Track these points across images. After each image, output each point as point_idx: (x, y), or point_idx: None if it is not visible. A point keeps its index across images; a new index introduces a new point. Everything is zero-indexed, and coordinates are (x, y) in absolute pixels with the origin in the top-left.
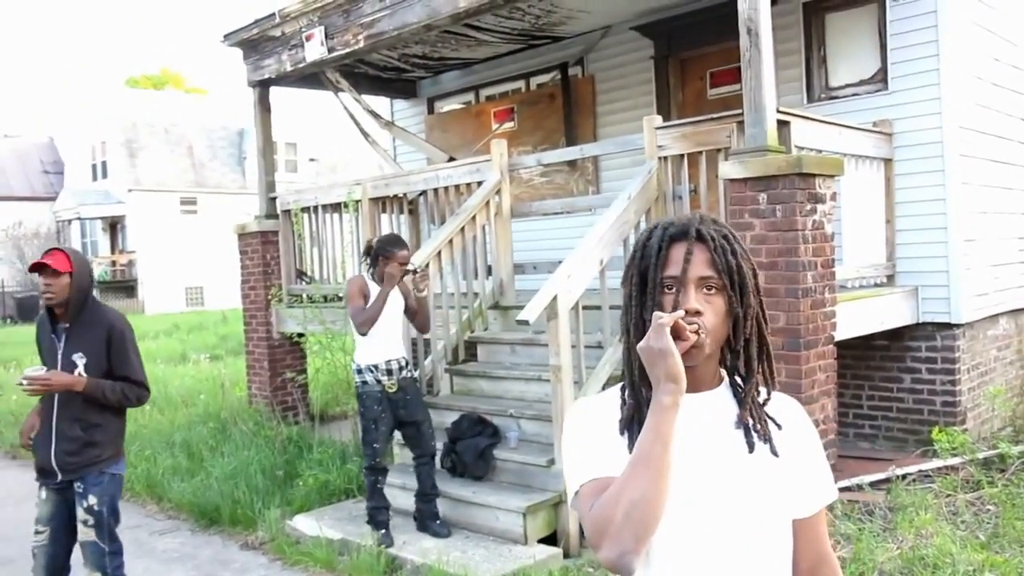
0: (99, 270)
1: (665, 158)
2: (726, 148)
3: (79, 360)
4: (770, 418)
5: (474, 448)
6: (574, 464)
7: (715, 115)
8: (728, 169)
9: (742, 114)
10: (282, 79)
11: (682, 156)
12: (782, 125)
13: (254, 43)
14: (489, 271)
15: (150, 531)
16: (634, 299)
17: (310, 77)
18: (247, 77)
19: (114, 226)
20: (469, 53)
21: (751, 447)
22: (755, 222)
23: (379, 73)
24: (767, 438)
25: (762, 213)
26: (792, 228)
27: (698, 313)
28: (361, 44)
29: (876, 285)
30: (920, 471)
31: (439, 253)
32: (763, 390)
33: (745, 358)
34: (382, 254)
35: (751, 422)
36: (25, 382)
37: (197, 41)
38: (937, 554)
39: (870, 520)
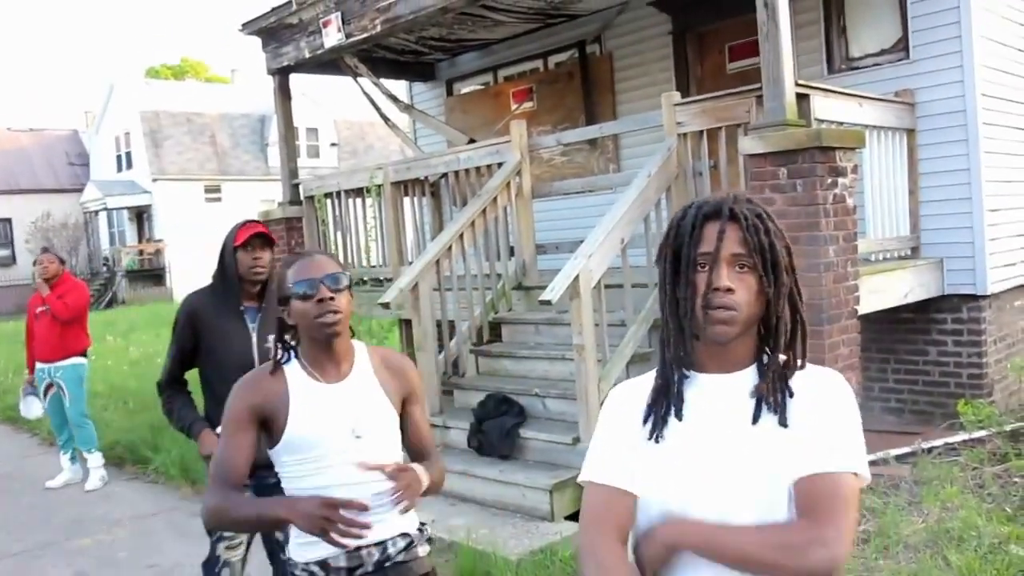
0: (127, 259)
1: (685, 135)
2: (745, 123)
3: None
4: (787, 387)
5: (500, 427)
6: (589, 453)
7: (734, 90)
8: (748, 144)
9: (761, 88)
10: (301, 66)
11: (701, 132)
12: (801, 98)
13: (272, 31)
14: (512, 252)
15: (185, 513)
16: (668, 277)
17: (329, 63)
18: (266, 65)
19: (140, 216)
20: (486, 34)
21: (755, 418)
22: (776, 197)
23: (397, 57)
24: (777, 408)
25: (783, 188)
26: (813, 202)
27: (730, 290)
28: (378, 29)
29: (900, 258)
30: (946, 444)
31: (461, 235)
32: (798, 363)
33: (775, 335)
34: (285, 295)
35: (764, 393)
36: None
37: (217, 29)
38: (963, 527)
39: (896, 494)
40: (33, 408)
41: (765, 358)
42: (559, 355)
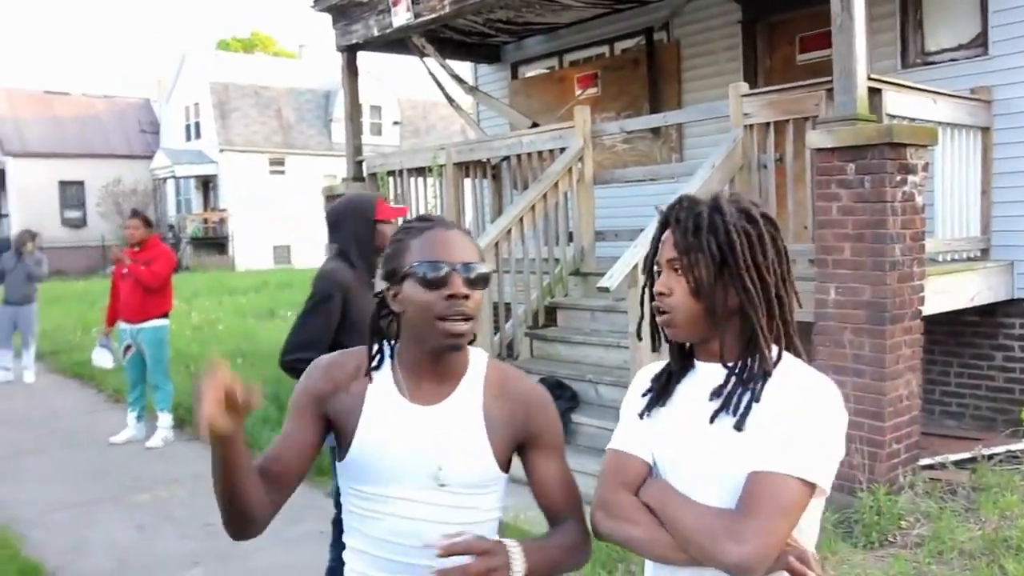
0: (192, 227)
1: (751, 126)
2: (814, 116)
3: None
4: (752, 391)
5: None
6: (618, 426)
7: (803, 83)
8: (815, 138)
9: (831, 81)
10: (369, 44)
11: (768, 124)
12: (873, 93)
13: (343, 8)
14: (571, 237)
15: None
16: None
17: (396, 42)
18: (335, 42)
19: (207, 184)
20: (553, 18)
21: (712, 418)
22: (842, 192)
23: (464, 38)
24: (736, 411)
25: (849, 184)
26: (880, 199)
27: (661, 294)
28: (447, 9)
29: (969, 259)
30: (1008, 452)
31: (521, 219)
32: (757, 358)
33: (727, 330)
34: (400, 270)
35: (725, 393)
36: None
37: (287, 4)
38: (1021, 536)
39: (952, 499)
40: (103, 358)
41: (733, 356)
42: (614, 342)
